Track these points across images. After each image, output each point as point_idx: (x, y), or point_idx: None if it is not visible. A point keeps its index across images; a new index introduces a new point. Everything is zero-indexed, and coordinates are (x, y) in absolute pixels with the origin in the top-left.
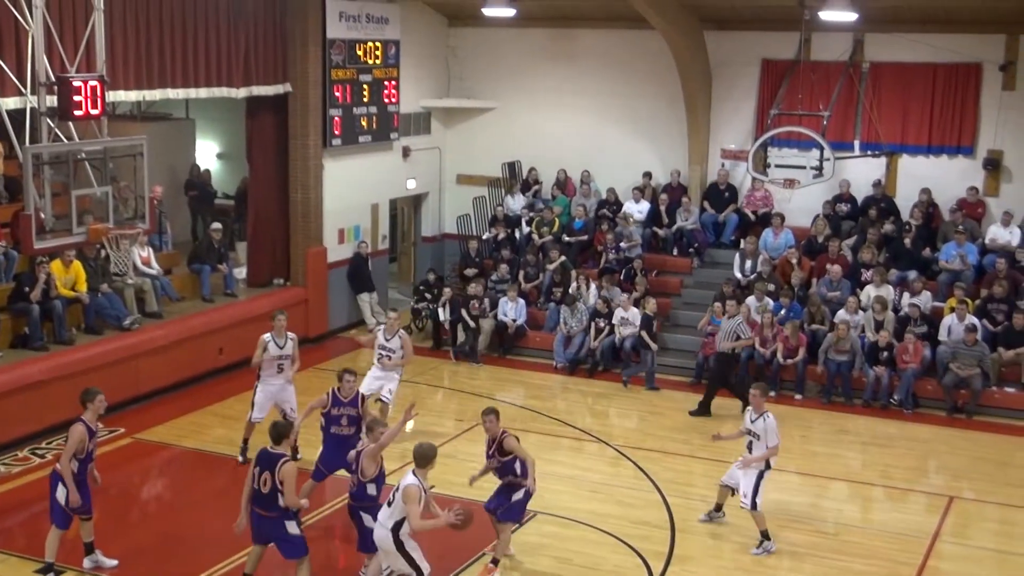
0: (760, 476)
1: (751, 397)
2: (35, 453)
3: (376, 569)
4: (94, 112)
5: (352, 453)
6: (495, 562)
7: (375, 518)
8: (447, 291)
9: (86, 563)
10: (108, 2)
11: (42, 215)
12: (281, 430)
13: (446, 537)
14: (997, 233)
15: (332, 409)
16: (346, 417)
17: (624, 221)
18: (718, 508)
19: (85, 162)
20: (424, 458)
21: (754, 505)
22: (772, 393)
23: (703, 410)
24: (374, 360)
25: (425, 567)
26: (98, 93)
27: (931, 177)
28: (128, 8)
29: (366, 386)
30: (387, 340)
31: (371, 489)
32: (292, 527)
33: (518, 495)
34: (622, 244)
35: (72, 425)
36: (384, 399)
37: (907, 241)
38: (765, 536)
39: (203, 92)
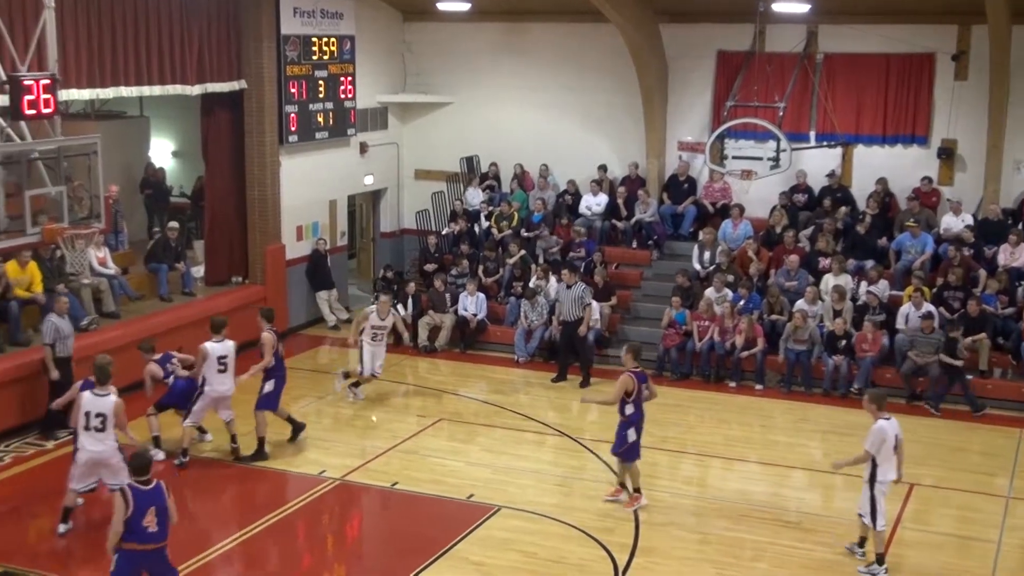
0: (871, 489)
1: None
2: None
3: None
4: (47, 111)
5: None
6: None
7: None
8: (411, 286)
9: None
10: (59, 0)
11: None
12: None
13: (408, 535)
14: (950, 222)
15: None
16: None
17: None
18: (861, 543)
19: (39, 162)
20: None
21: (873, 523)
22: (732, 384)
23: (560, 377)
24: (367, 339)
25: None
26: (50, 92)
27: (886, 167)
28: (79, 6)
29: (369, 367)
30: (382, 320)
31: None
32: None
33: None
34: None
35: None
36: (376, 374)
37: (860, 229)
38: (878, 560)
39: (157, 89)
